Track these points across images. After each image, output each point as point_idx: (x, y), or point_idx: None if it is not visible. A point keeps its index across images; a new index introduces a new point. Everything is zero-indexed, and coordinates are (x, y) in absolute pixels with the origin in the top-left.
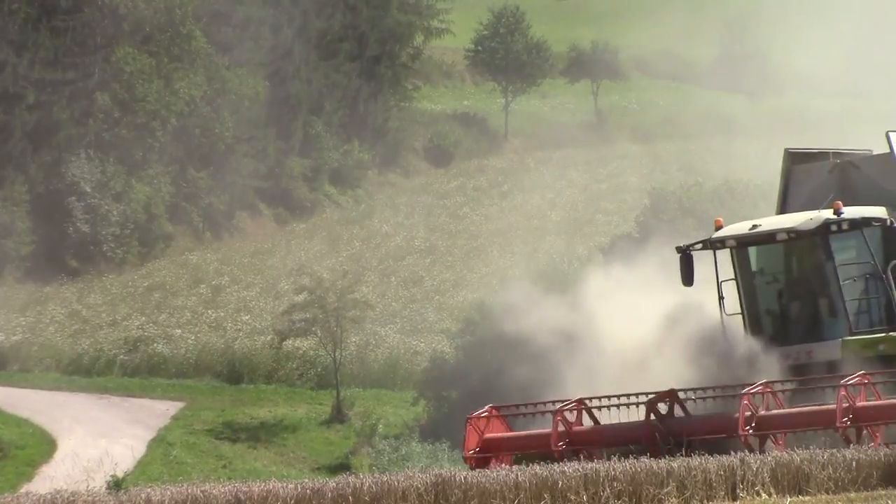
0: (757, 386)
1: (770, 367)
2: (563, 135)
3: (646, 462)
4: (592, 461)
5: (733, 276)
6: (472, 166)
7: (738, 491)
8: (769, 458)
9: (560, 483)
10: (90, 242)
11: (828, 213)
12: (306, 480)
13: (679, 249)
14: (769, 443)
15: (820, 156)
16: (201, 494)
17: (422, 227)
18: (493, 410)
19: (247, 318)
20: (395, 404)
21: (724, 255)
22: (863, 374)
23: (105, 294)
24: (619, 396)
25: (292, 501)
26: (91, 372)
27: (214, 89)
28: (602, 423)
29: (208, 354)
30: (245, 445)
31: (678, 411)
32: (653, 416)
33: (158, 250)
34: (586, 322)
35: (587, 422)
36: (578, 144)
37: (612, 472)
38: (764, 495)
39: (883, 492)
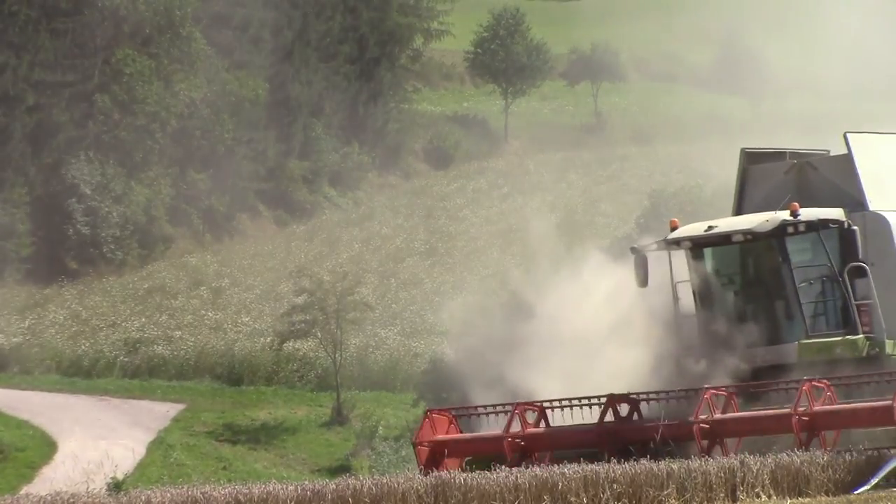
0: (712, 389)
1: (725, 370)
2: (562, 137)
3: (646, 464)
4: (544, 464)
5: (689, 278)
6: (471, 168)
7: (738, 493)
8: (769, 460)
9: (560, 485)
10: (90, 244)
11: (784, 215)
12: (306, 482)
13: (634, 250)
14: (725, 447)
15: (777, 156)
16: (201, 496)
17: (421, 229)
18: (447, 412)
19: (247, 319)
20: (395, 406)
21: (681, 257)
22: (819, 378)
23: (105, 296)
24: (571, 399)
25: (292, 503)
26: (91, 374)
27: (214, 91)
28: (557, 425)
29: (208, 356)
30: (245, 447)
31: (633, 415)
32: (606, 420)
33: (158, 252)
34: (548, 324)
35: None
36: (578, 146)
37: (612, 474)
38: (764, 497)
39: (883, 493)
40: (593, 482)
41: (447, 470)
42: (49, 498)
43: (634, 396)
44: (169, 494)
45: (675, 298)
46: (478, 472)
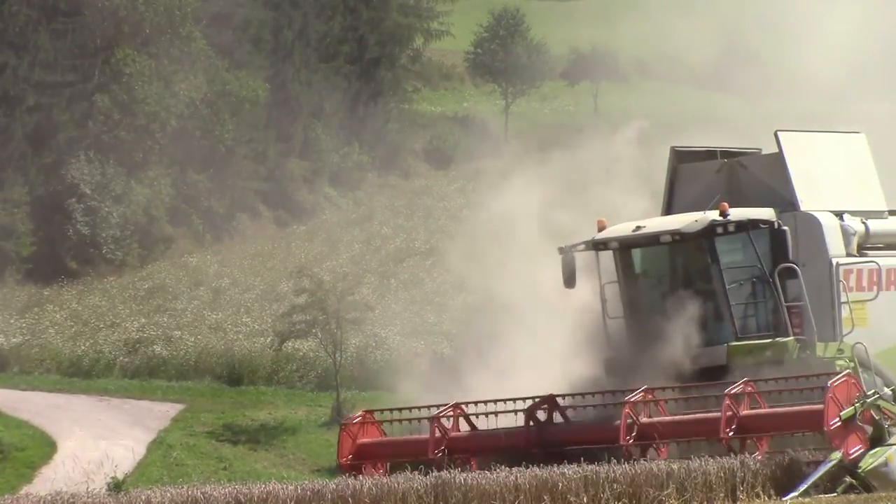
0: (638, 393)
1: (654, 372)
2: (563, 137)
3: (646, 464)
4: (471, 468)
5: (617, 279)
6: (471, 169)
7: (738, 493)
8: (769, 461)
9: (560, 485)
10: (90, 244)
11: (714, 215)
12: (306, 482)
13: (561, 250)
14: (651, 452)
15: (708, 154)
16: (201, 496)
17: (421, 230)
18: (367, 415)
19: (247, 319)
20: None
21: (609, 257)
22: (747, 381)
23: (105, 296)
24: (496, 402)
25: (292, 503)
26: (91, 374)
27: (214, 91)
28: (484, 428)
29: (208, 356)
30: (245, 447)
31: (558, 418)
32: (532, 423)
33: (158, 252)
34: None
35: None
36: (578, 146)
37: (612, 474)
38: (763, 497)
39: (883, 493)
40: (593, 482)
41: (370, 475)
42: (49, 498)
43: (561, 399)
44: (169, 494)
45: (603, 300)
46: (478, 472)
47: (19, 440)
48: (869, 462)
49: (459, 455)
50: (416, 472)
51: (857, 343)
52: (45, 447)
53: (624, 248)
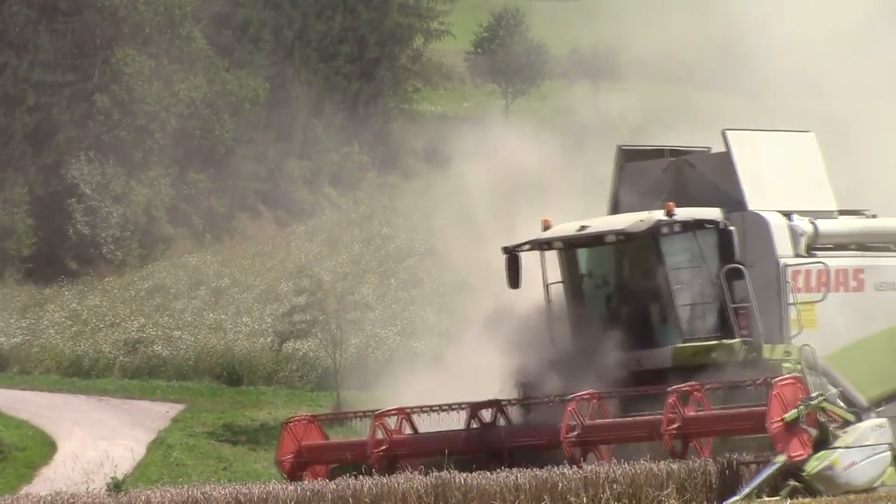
0: (581, 395)
1: (599, 374)
2: (563, 137)
3: (646, 464)
4: (412, 471)
5: (562, 279)
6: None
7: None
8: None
9: (560, 485)
10: (90, 244)
11: (659, 215)
12: (306, 482)
13: (505, 250)
14: (598, 453)
15: (655, 153)
16: (201, 496)
17: (422, 230)
18: (311, 417)
19: (247, 320)
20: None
21: (554, 257)
22: (691, 383)
23: (105, 296)
24: (441, 405)
25: (292, 503)
26: (91, 374)
27: (214, 91)
28: (425, 431)
29: (208, 356)
30: (245, 447)
31: (502, 419)
32: (474, 425)
33: (158, 252)
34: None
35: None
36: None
37: (612, 475)
38: (765, 496)
39: (883, 493)
40: (593, 482)
41: (312, 479)
42: (49, 498)
43: (503, 402)
44: (169, 494)
45: (548, 300)
46: (478, 472)
47: (19, 440)
48: (814, 465)
49: (401, 458)
50: (360, 476)
51: (805, 345)
52: (45, 447)
53: (568, 247)
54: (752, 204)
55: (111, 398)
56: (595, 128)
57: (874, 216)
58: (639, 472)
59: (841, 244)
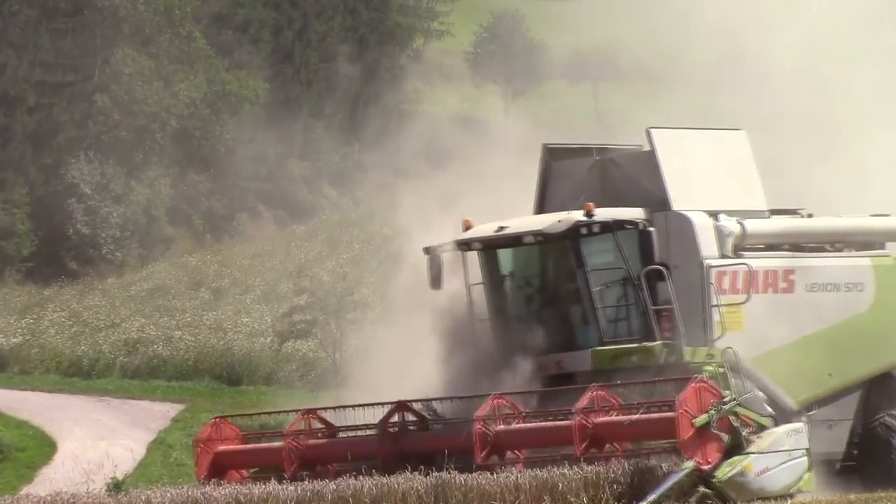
0: (493, 399)
1: (518, 377)
2: (563, 137)
3: (646, 464)
4: (329, 476)
5: (483, 280)
6: (471, 169)
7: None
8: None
9: (560, 485)
10: (90, 245)
11: (578, 215)
12: (306, 482)
13: (427, 251)
14: (509, 458)
15: (583, 152)
16: (201, 496)
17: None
18: (221, 421)
19: (246, 320)
20: None
21: (475, 258)
22: (600, 386)
23: (105, 296)
24: (354, 407)
25: (292, 503)
26: (91, 374)
27: (214, 91)
28: (343, 435)
29: (208, 356)
30: None
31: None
32: (388, 430)
33: (158, 252)
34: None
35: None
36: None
37: (613, 475)
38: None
39: (883, 493)
40: (593, 482)
41: (232, 481)
42: (49, 498)
43: (417, 405)
44: (169, 494)
45: (470, 302)
46: (478, 472)
47: (19, 440)
48: (725, 471)
49: (317, 462)
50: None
51: (728, 348)
52: (45, 447)
53: (487, 248)
54: (677, 203)
55: (111, 398)
56: (596, 128)
57: (810, 216)
58: (639, 471)
59: (773, 244)
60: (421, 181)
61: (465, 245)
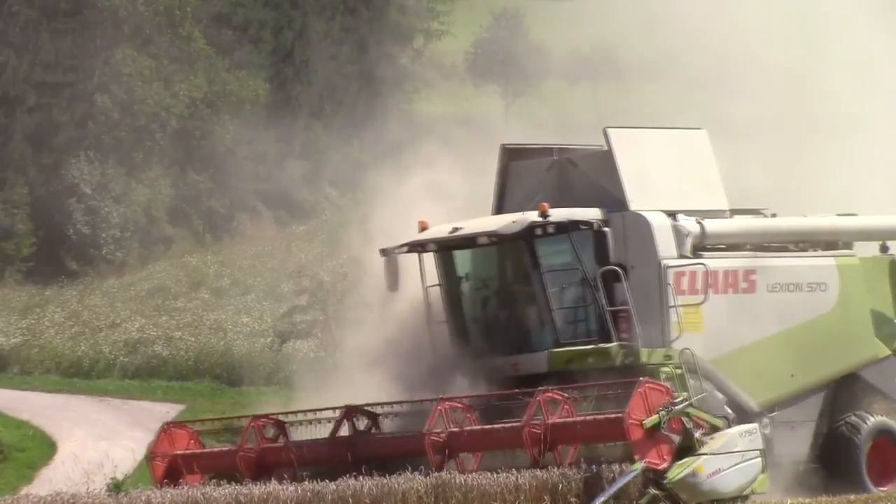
0: (445, 401)
1: (474, 379)
2: (563, 137)
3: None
4: (285, 480)
5: (439, 282)
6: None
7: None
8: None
9: (560, 485)
10: (90, 245)
11: (533, 216)
12: (306, 483)
13: (383, 252)
14: (460, 461)
15: (542, 152)
16: (201, 497)
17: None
18: (171, 427)
19: (246, 320)
20: None
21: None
22: (555, 389)
23: (105, 296)
24: (315, 411)
25: (292, 503)
26: (91, 374)
27: (214, 91)
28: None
29: (208, 357)
30: None
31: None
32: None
33: (158, 252)
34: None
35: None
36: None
37: (613, 475)
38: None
39: (883, 493)
40: (594, 483)
41: (188, 485)
42: (49, 498)
43: (371, 409)
44: (169, 495)
45: (427, 304)
46: (479, 472)
47: (19, 441)
48: (676, 472)
49: (273, 466)
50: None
51: (685, 349)
52: (45, 447)
53: (442, 250)
54: (634, 204)
55: (111, 398)
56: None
57: (773, 215)
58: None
59: (734, 244)
60: (421, 181)
61: (419, 247)
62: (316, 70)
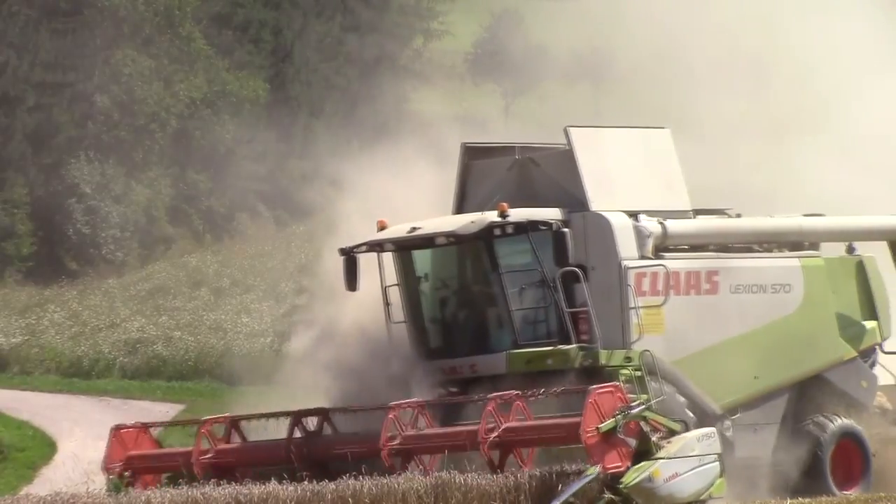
0: (401, 404)
1: (433, 380)
2: (563, 137)
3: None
4: (242, 481)
5: (398, 282)
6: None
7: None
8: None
9: (560, 486)
10: (90, 245)
11: (492, 216)
12: (306, 483)
13: (342, 251)
14: (422, 463)
15: (504, 151)
16: (201, 497)
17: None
18: (140, 425)
19: (246, 320)
20: None
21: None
22: (513, 391)
23: (105, 296)
24: (264, 413)
25: (292, 503)
26: (91, 374)
27: (214, 91)
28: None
29: (208, 357)
30: None
31: (329, 428)
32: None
33: (158, 252)
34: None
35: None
36: None
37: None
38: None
39: (883, 493)
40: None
41: (144, 487)
42: (49, 498)
43: (327, 409)
44: (169, 495)
45: (386, 304)
46: (478, 472)
47: (19, 441)
48: (632, 477)
49: (229, 467)
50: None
51: (645, 350)
52: (45, 447)
53: (401, 249)
54: (595, 204)
55: (111, 398)
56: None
57: (738, 216)
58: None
59: (697, 245)
60: (421, 180)
61: (378, 246)
62: (316, 69)
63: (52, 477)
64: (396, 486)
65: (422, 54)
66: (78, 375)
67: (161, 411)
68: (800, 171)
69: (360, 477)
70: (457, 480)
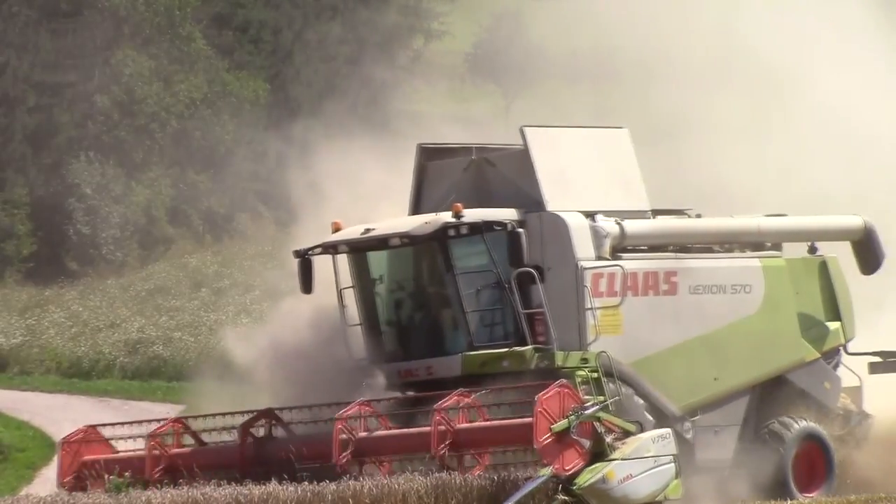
0: (354, 406)
1: (388, 383)
2: None
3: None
4: (195, 484)
5: (353, 284)
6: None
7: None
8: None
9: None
10: (90, 245)
11: (446, 217)
12: (306, 483)
13: (297, 254)
14: (372, 468)
15: (460, 151)
16: (201, 497)
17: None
18: (90, 430)
19: (247, 320)
20: None
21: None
22: (462, 393)
23: (105, 297)
24: (216, 414)
25: (292, 503)
26: (91, 375)
27: (214, 91)
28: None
29: (208, 357)
30: None
31: (283, 432)
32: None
33: (158, 253)
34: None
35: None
36: None
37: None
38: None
39: (883, 493)
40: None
41: (92, 490)
42: (49, 498)
43: (278, 412)
44: (169, 495)
45: (342, 306)
46: (479, 473)
47: (19, 441)
48: (586, 478)
49: (182, 470)
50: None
51: (602, 352)
52: (45, 448)
53: (355, 251)
54: (551, 204)
55: (111, 399)
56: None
57: (698, 216)
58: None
59: (657, 245)
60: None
61: (332, 248)
62: (316, 70)
63: (52, 477)
64: (397, 486)
65: (422, 54)
66: (78, 376)
67: (161, 412)
68: (784, 171)
69: (323, 481)
70: (457, 481)
